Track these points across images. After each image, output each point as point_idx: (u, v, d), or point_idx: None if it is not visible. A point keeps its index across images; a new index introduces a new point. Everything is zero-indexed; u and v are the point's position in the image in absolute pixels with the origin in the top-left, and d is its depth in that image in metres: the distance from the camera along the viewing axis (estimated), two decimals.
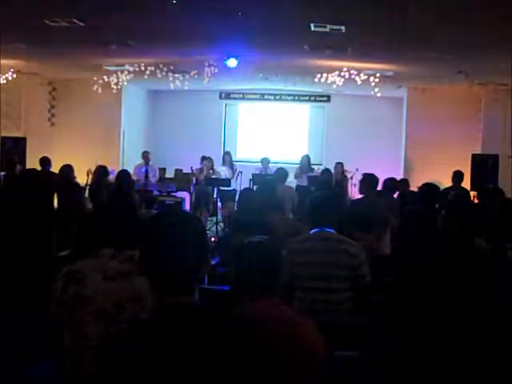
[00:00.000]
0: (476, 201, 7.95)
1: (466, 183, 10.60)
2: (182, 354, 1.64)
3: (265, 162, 12.55)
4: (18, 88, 13.23)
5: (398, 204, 7.22)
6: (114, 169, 9.85)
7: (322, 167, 12.37)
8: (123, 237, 2.70)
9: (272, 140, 15.95)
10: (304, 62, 10.62)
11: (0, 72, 11.70)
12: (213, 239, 7.37)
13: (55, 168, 9.36)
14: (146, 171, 12.18)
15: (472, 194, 9.71)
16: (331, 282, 3.81)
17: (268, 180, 7.54)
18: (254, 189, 9.05)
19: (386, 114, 14.90)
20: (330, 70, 11.23)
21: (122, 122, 14.53)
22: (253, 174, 12.22)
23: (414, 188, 8.91)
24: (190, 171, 12.45)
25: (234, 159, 12.98)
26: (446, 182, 9.84)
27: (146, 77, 11.86)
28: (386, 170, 10.66)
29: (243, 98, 16.25)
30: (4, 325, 3.03)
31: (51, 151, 11.89)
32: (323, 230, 3.93)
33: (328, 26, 7.62)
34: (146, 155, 12.49)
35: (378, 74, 11.28)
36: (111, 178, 8.55)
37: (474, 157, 12.36)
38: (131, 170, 10.48)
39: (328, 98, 15.70)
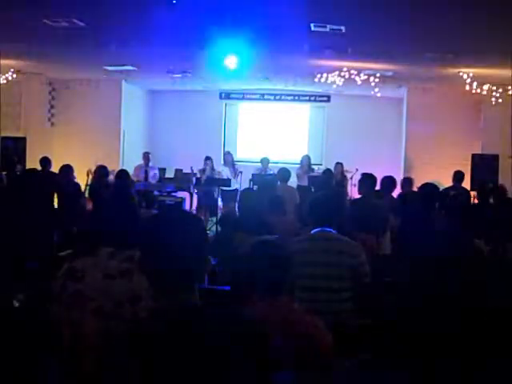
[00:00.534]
0: (476, 201, 7.95)
1: (466, 183, 10.60)
2: (182, 353, 1.64)
3: (265, 161, 12.54)
4: (18, 88, 13.23)
5: (398, 204, 7.21)
6: (113, 169, 9.84)
7: (322, 167, 12.37)
8: (123, 237, 2.70)
9: (272, 140, 15.92)
10: (304, 61, 10.62)
11: (0, 72, 11.70)
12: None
13: (55, 168, 9.35)
14: (146, 172, 12.19)
15: (472, 193, 9.71)
16: (332, 282, 3.81)
17: (268, 180, 7.53)
18: (254, 189, 9.05)
19: (385, 114, 14.86)
20: (329, 70, 11.23)
21: (121, 122, 14.50)
22: (253, 174, 12.21)
23: (414, 188, 8.90)
24: (190, 171, 12.45)
25: (234, 159, 12.98)
26: (446, 182, 9.83)
27: (145, 77, 11.86)
28: (386, 170, 10.60)
29: (243, 98, 16.22)
30: (4, 325, 3.04)
31: (51, 151, 11.90)
32: (324, 230, 3.93)
33: (328, 25, 7.62)
34: (146, 156, 12.51)
35: (378, 74, 11.28)
36: (111, 178, 8.55)
37: (474, 157, 12.36)
38: (131, 171, 10.48)
39: (328, 98, 15.67)
